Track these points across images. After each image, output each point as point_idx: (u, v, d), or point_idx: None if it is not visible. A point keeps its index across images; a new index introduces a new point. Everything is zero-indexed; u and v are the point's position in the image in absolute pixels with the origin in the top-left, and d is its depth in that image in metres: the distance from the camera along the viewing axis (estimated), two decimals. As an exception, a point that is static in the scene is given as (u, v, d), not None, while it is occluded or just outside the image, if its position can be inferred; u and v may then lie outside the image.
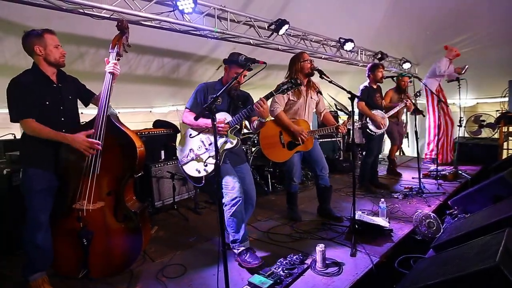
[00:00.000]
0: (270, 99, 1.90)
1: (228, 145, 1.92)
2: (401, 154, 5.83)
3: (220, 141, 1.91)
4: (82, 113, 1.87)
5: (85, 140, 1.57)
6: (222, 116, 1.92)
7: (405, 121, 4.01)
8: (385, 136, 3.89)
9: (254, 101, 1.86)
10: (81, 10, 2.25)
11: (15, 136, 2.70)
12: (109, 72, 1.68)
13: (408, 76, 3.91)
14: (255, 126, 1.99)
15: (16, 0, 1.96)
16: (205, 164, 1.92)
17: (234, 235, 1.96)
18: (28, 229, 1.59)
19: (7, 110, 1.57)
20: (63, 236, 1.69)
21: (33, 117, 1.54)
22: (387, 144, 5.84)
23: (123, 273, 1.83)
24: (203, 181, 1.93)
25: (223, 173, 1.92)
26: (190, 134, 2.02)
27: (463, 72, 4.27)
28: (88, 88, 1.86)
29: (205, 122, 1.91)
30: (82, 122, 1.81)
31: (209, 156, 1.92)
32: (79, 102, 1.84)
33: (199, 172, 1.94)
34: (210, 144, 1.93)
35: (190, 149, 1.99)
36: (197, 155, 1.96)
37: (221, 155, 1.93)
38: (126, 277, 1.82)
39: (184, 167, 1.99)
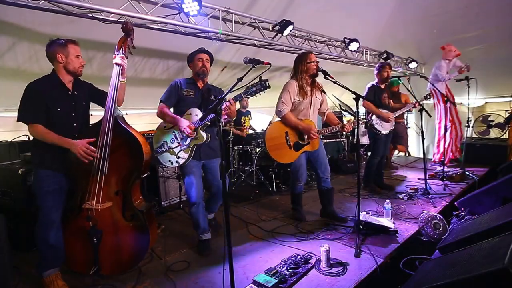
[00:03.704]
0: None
1: (196, 141, 2.04)
2: (407, 155, 5.77)
3: (189, 139, 2.04)
4: (92, 115, 1.91)
5: (83, 146, 1.60)
6: (194, 112, 2.04)
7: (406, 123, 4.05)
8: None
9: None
10: (90, 15, 2.31)
11: (28, 138, 2.79)
12: (117, 64, 1.70)
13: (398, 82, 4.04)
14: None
15: (28, 6, 2.02)
16: (177, 157, 2.06)
17: (194, 226, 2.17)
18: (40, 228, 1.65)
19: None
20: (74, 235, 1.74)
21: (40, 123, 1.59)
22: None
23: (132, 270, 1.88)
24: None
25: (188, 170, 2.07)
26: (165, 126, 2.13)
27: (467, 70, 4.17)
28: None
29: (172, 118, 2.03)
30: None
31: (181, 150, 2.05)
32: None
33: (171, 163, 2.08)
34: (182, 139, 2.06)
35: (164, 141, 2.10)
36: (169, 147, 2.08)
37: (192, 149, 2.04)
38: (134, 274, 1.87)
39: (158, 156, 2.12)
